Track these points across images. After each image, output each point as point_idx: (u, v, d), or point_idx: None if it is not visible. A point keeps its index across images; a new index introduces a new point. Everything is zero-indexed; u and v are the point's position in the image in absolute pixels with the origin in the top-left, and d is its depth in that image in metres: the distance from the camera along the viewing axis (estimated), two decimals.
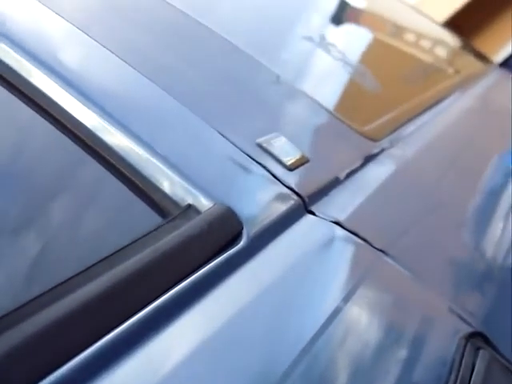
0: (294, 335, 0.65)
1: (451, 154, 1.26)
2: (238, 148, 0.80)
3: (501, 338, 0.80)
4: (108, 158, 0.71)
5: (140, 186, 0.70)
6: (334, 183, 0.87)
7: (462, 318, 0.79)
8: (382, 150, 1.05)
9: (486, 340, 0.77)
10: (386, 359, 0.70)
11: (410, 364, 0.71)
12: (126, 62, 0.85)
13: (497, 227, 1.12)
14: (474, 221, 1.12)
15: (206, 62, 1.00)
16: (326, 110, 1.05)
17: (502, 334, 0.84)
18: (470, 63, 2.10)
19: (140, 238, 0.63)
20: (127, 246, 0.62)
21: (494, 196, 1.25)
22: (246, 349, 0.61)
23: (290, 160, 0.84)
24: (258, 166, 0.80)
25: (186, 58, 0.98)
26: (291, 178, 0.81)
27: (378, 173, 0.97)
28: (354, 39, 1.59)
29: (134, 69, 0.84)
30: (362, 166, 0.96)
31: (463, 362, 0.72)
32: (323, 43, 1.33)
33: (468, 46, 2.32)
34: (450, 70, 1.93)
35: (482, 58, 2.20)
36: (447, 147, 1.29)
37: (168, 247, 0.61)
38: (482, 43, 3.01)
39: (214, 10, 1.24)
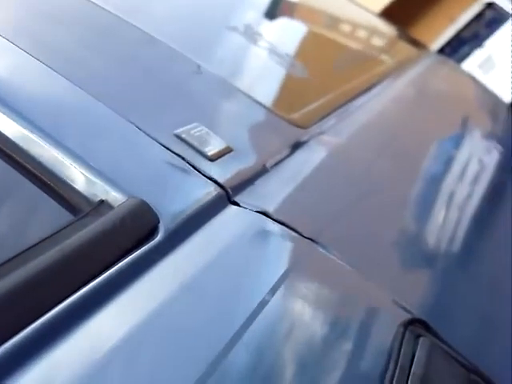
0: (218, 328, 0.62)
1: (385, 140, 1.25)
2: (154, 140, 0.77)
3: (443, 324, 0.79)
4: (16, 157, 0.68)
5: (50, 183, 0.67)
6: (260, 173, 0.85)
7: (400, 306, 0.77)
8: (311, 138, 1.03)
9: (427, 327, 0.75)
10: (319, 350, 0.69)
11: (345, 355, 0.69)
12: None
13: (438, 214, 1.11)
14: (413, 208, 1.11)
15: (124, 56, 0.97)
16: (251, 98, 1.03)
17: (444, 320, 0.82)
18: (405, 50, 2.11)
19: (50, 236, 0.60)
20: (37, 244, 0.59)
21: (434, 182, 1.25)
22: (168, 344, 0.58)
23: (211, 150, 0.82)
24: (176, 157, 0.77)
25: (103, 53, 0.95)
26: (212, 169, 0.79)
27: (306, 160, 0.95)
28: (284, 30, 1.57)
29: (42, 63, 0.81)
30: (290, 154, 0.94)
31: (402, 350, 0.70)
32: (249, 33, 1.31)
33: (404, 35, 2.33)
34: (384, 57, 1.93)
35: (417, 45, 2.21)
36: (380, 132, 1.28)
37: (78, 244, 0.58)
38: (418, 32, 3.03)
39: (134, 5, 1.20)
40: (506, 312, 0.93)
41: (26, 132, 0.68)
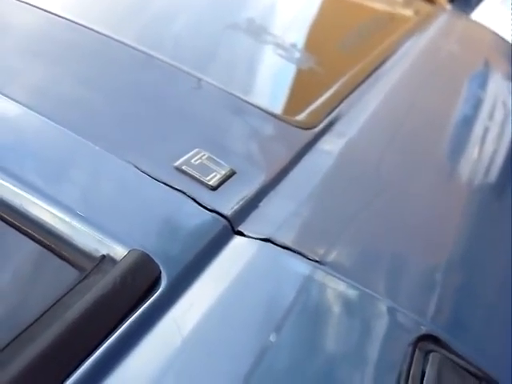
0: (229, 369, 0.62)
1: (398, 121, 1.21)
2: (152, 178, 0.76)
3: (454, 334, 0.77)
4: (11, 219, 0.67)
5: (48, 243, 0.67)
6: (264, 193, 0.83)
7: (411, 320, 0.75)
8: (318, 138, 1.00)
9: (437, 341, 0.74)
10: (329, 369, 0.68)
11: (355, 374, 0.68)
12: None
13: (452, 215, 1.04)
14: (426, 210, 1.01)
15: (112, 84, 0.94)
16: (253, 105, 0.99)
17: (455, 329, 0.80)
18: (419, 9, 2.02)
19: (55, 303, 0.60)
20: (44, 314, 0.59)
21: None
22: None
23: (212, 178, 0.80)
24: (176, 192, 0.76)
25: (85, 79, 0.93)
26: (214, 199, 0.78)
27: (313, 168, 0.92)
28: (286, 17, 1.50)
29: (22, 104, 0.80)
30: (295, 162, 0.92)
31: (412, 368, 0.69)
32: (251, 29, 1.27)
33: None
34: (399, 21, 1.86)
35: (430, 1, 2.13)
36: (394, 113, 1.24)
37: (78, 315, 0.58)
38: None
39: (115, 18, 1.16)
40: None
41: (20, 191, 0.68)
